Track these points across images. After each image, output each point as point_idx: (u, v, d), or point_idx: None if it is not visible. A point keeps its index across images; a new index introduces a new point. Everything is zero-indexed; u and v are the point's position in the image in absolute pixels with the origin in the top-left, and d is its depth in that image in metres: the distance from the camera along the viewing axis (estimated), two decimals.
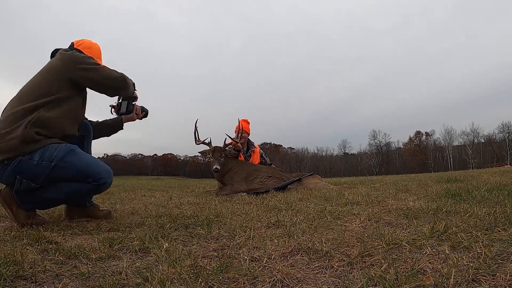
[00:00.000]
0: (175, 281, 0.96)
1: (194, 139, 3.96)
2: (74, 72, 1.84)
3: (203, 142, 3.98)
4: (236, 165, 3.94)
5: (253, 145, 4.62)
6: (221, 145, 3.92)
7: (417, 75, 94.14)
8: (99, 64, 1.94)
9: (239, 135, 4.05)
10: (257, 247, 1.31)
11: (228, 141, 3.97)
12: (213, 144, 3.94)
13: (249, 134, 4.55)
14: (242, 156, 4.44)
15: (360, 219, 1.74)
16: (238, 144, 4.07)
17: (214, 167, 3.75)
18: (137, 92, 2.26)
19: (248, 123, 4.58)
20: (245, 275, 1.00)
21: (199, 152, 4.17)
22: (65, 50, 1.95)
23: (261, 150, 4.69)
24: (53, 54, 2.00)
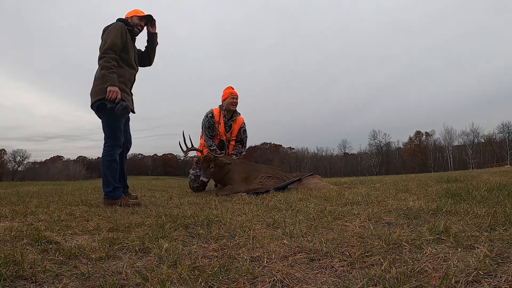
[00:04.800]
0: (175, 281, 0.96)
1: (181, 149, 3.98)
2: None
3: (194, 149, 3.98)
4: (235, 166, 3.92)
5: (238, 113, 4.37)
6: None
7: (418, 76, 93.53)
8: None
9: (227, 146, 4.03)
10: (257, 247, 1.31)
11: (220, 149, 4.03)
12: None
13: (237, 97, 4.28)
14: (223, 127, 4.20)
15: (360, 219, 1.74)
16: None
17: (200, 178, 3.79)
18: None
19: (233, 88, 4.33)
20: (245, 275, 1.00)
21: (194, 157, 4.18)
22: None
23: (244, 124, 4.39)
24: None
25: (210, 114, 4.24)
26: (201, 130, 4.30)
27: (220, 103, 4.32)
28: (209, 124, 4.21)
